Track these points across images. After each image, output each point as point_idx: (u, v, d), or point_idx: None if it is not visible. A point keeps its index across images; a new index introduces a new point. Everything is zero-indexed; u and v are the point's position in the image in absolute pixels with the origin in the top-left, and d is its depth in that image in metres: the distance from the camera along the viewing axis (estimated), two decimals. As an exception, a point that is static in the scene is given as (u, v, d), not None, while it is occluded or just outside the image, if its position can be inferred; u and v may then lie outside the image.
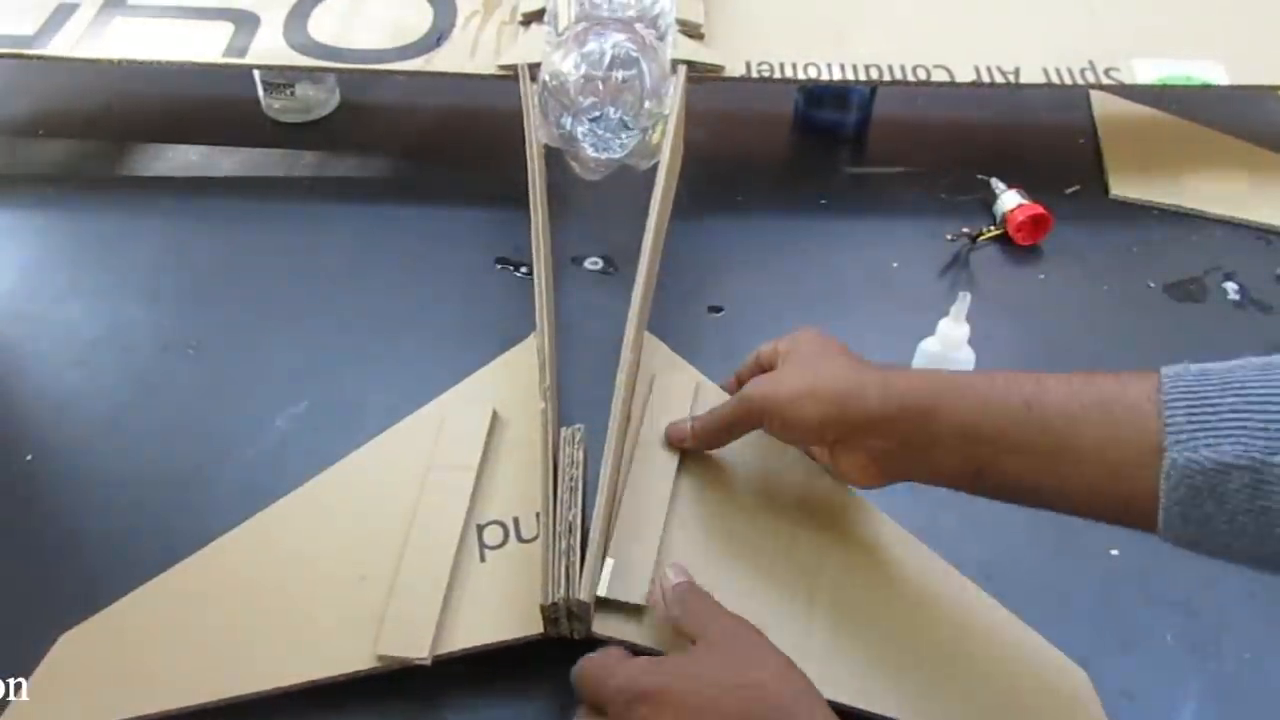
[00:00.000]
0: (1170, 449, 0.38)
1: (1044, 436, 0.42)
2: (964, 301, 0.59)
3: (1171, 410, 0.39)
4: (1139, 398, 0.40)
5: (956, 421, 0.44)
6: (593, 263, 0.73)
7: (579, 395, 0.58)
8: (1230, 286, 0.73)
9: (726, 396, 0.59)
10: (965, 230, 0.75)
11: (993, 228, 0.76)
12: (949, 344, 0.61)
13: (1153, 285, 0.73)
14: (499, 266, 0.73)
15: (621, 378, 0.54)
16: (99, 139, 0.86)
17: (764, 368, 0.54)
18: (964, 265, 0.74)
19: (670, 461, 0.55)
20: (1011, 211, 0.75)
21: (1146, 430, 0.39)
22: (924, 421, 0.45)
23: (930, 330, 0.67)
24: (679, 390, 0.58)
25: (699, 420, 0.54)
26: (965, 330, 0.61)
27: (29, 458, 0.60)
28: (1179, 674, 0.50)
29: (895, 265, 0.74)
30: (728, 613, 0.45)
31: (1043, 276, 0.74)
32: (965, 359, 0.61)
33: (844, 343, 0.51)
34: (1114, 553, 0.55)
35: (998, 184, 0.78)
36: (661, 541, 0.51)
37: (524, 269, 0.72)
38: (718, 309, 0.70)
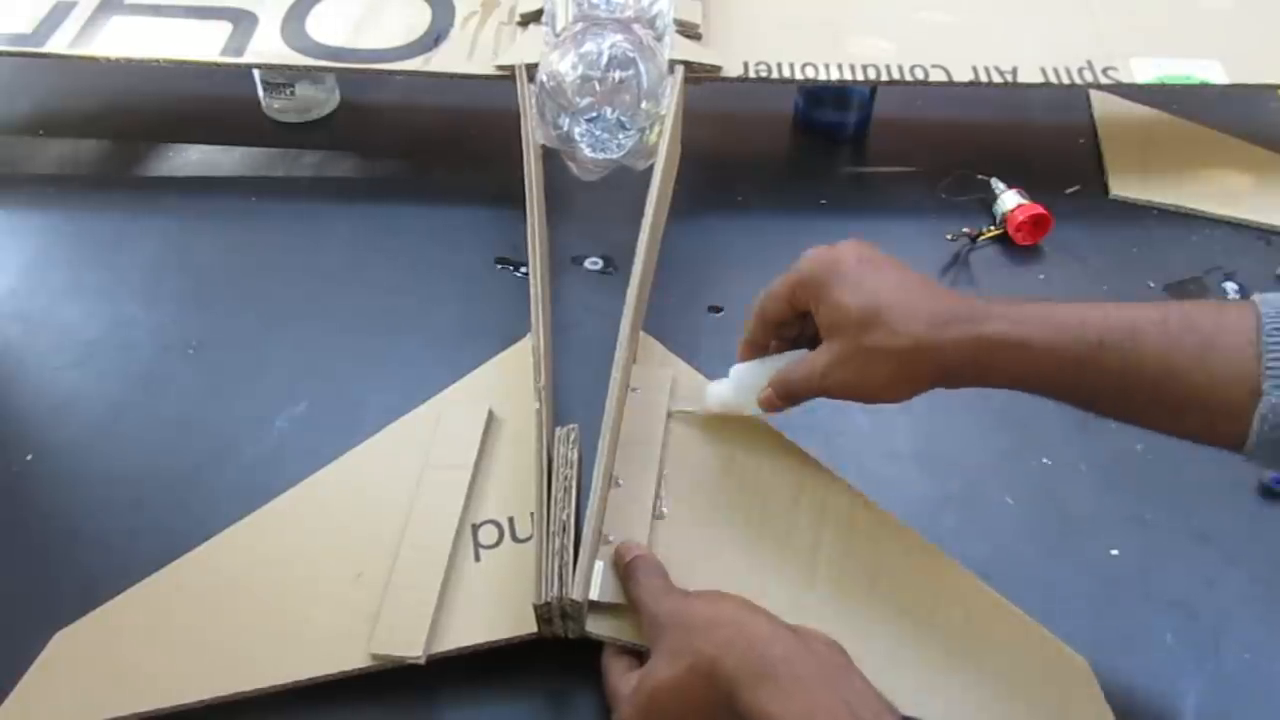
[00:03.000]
0: (1270, 392, 0.40)
1: (1140, 390, 0.43)
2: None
3: (1273, 353, 0.40)
4: (1238, 339, 0.41)
5: (1046, 378, 0.45)
6: (593, 263, 0.73)
7: (577, 395, 0.58)
8: (1230, 286, 0.73)
9: (705, 384, 0.59)
10: (965, 230, 0.75)
11: (993, 228, 0.76)
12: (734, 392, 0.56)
13: (1153, 285, 0.73)
14: (499, 266, 0.73)
15: (616, 376, 0.54)
16: (99, 139, 0.86)
17: (795, 307, 0.51)
18: (964, 265, 0.74)
19: (653, 457, 0.55)
20: (1011, 211, 0.75)
21: (1245, 373, 0.40)
22: (1008, 380, 0.46)
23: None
24: (657, 384, 0.59)
25: (780, 391, 0.52)
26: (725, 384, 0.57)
27: (29, 457, 0.60)
28: (1179, 674, 0.50)
29: (895, 265, 0.74)
30: (669, 595, 0.46)
31: (1043, 276, 0.74)
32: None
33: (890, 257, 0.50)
34: (1114, 553, 0.55)
35: (998, 184, 0.78)
36: (650, 541, 0.51)
37: (523, 269, 0.72)
38: (717, 309, 0.70)
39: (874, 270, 0.48)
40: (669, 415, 0.57)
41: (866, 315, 0.47)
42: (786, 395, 0.52)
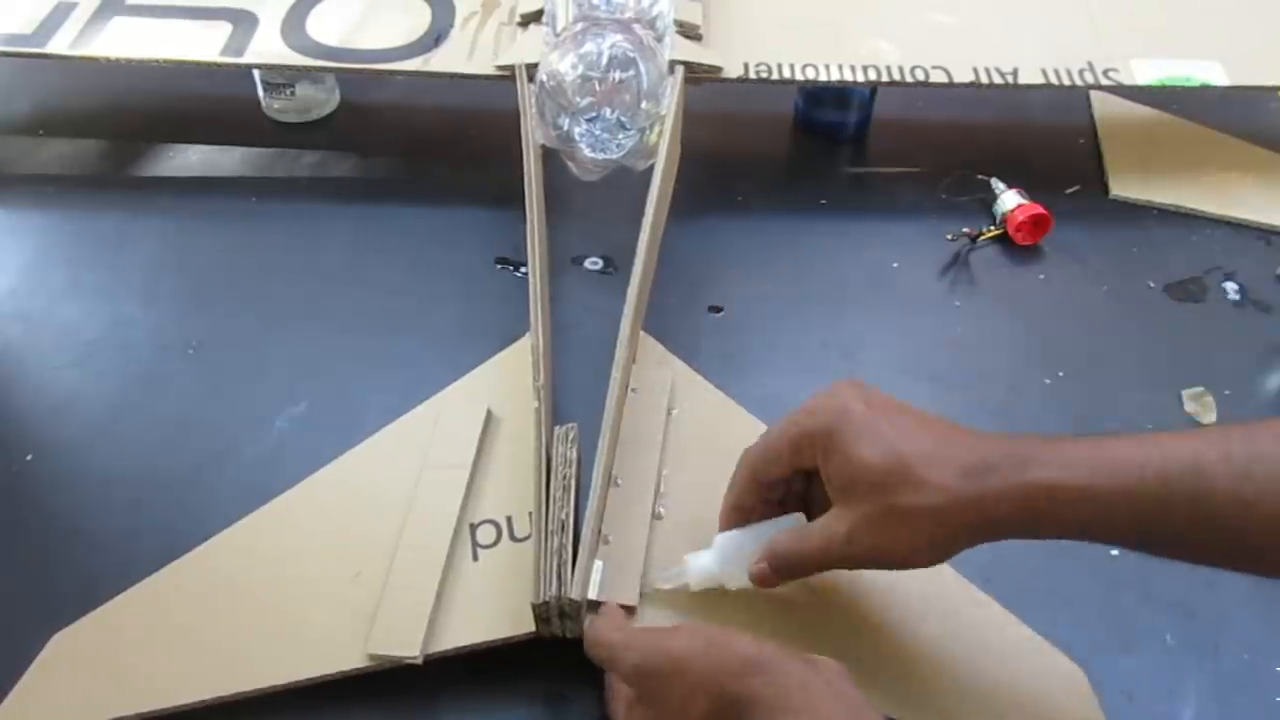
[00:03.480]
0: None
1: (1212, 530, 0.40)
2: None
3: None
4: None
5: (1107, 526, 0.41)
6: (593, 263, 0.73)
7: (577, 394, 0.58)
8: (1230, 286, 0.73)
9: (705, 386, 0.59)
10: (965, 230, 0.75)
11: (993, 228, 0.76)
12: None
13: (1153, 285, 0.73)
14: (499, 266, 0.73)
15: (616, 375, 0.54)
16: (99, 139, 0.86)
17: (797, 465, 0.46)
18: (964, 265, 0.74)
19: (652, 457, 0.55)
20: (1011, 211, 0.75)
21: None
22: (1062, 530, 0.41)
23: (929, 330, 0.68)
24: (656, 385, 0.59)
25: (779, 565, 0.46)
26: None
27: (29, 458, 0.60)
28: (1179, 674, 0.50)
29: (895, 265, 0.74)
30: (636, 645, 0.42)
31: (1043, 276, 0.74)
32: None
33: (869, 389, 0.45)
34: (1114, 553, 0.55)
35: (998, 184, 0.78)
36: (649, 541, 0.51)
37: (523, 269, 0.72)
38: (718, 309, 0.70)
39: (888, 417, 0.43)
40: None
41: (891, 470, 0.41)
42: (789, 570, 0.46)
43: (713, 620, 0.48)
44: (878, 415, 0.43)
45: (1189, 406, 0.63)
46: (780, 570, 0.46)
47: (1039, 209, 0.74)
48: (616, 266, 0.73)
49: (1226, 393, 0.62)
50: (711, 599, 0.49)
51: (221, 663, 0.48)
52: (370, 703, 0.48)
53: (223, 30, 0.79)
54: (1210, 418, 0.59)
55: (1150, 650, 0.51)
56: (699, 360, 0.62)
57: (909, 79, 0.76)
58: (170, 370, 0.65)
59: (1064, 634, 0.49)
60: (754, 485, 0.48)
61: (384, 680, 0.48)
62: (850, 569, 0.47)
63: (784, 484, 0.48)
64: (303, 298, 0.71)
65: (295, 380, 0.64)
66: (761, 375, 0.64)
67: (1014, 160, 0.81)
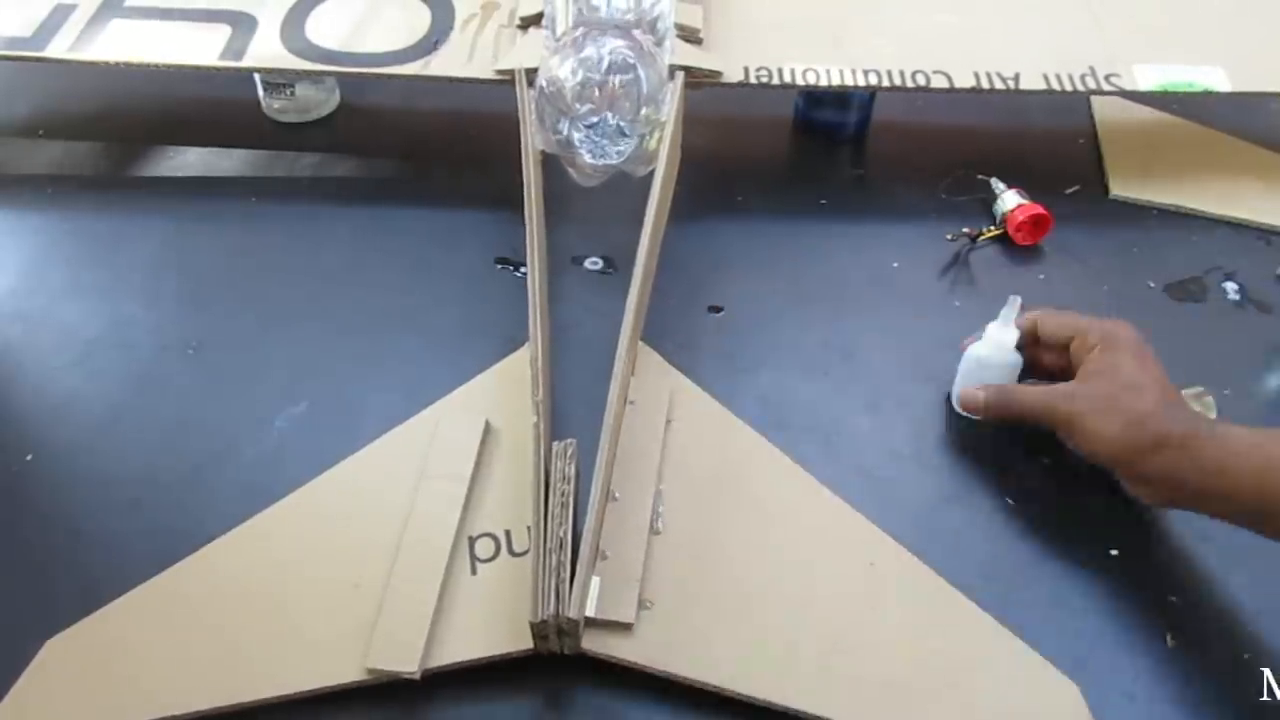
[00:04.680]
0: None
1: None
2: (1013, 305, 0.58)
3: None
4: None
5: (1251, 453, 0.49)
6: (593, 263, 0.73)
7: (576, 397, 0.58)
8: (1230, 286, 0.73)
9: (703, 398, 0.59)
10: (965, 230, 0.75)
11: (993, 228, 0.76)
12: (996, 348, 0.59)
13: (1153, 285, 0.73)
14: (498, 266, 0.73)
15: (615, 390, 0.54)
16: (99, 140, 0.86)
17: (1063, 347, 0.58)
18: (964, 265, 0.74)
19: (650, 471, 0.54)
20: (1011, 211, 0.75)
21: None
22: (1214, 445, 0.50)
23: (930, 330, 0.68)
24: (654, 397, 0.59)
25: (996, 398, 0.59)
26: (1014, 334, 0.59)
27: (29, 458, 0.60)
28: (1179, 674, 0.50)
29: (895, 265, 0.74)
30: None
31: (1043, 276, 0.74)
32: (1014, 362, 0.59)
33: (1155, 353, 0.55)
34: (1113, 553, 0.55)
35: (998, 184, 0.78)
36: (647, 556, 0.50)
37: (523, 269, 0.72)
38: (718, 309, 0.70)
39: (1151, 366, 0.55)
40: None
41: (1136, 385, 0.53)
42: (1001, 403, 0.58)
43: (719, 626, 0.48)
44: (1148, 358, 0.55)
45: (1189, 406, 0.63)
46: (993, 401, 0.58)
47: (1039, 209, 0.75)
48: (616, 267, 0.73)
49: (1226, 393, 0.62)
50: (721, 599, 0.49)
51: (218, 673, 0.47)
52: (369, 701, 0.48)
53: (222, 33, 0.79)
54: (1211, 418, 0.59)
55: (1150, 650, 0.51)
56: (699, 360, 0.62)
57: (910, 83, 0.76)
58: (170, 370, 0.65)
59: (1063, 634, 0.49)
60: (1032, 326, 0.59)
61: (380, 691, 0.47)
62: (1050, 427, 0.57)
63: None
64: (303, 298, 0.71)
65: (295, 380, 0.64)
66: (761, 375, 0.64)
67: (1014, 160, 0.81)
